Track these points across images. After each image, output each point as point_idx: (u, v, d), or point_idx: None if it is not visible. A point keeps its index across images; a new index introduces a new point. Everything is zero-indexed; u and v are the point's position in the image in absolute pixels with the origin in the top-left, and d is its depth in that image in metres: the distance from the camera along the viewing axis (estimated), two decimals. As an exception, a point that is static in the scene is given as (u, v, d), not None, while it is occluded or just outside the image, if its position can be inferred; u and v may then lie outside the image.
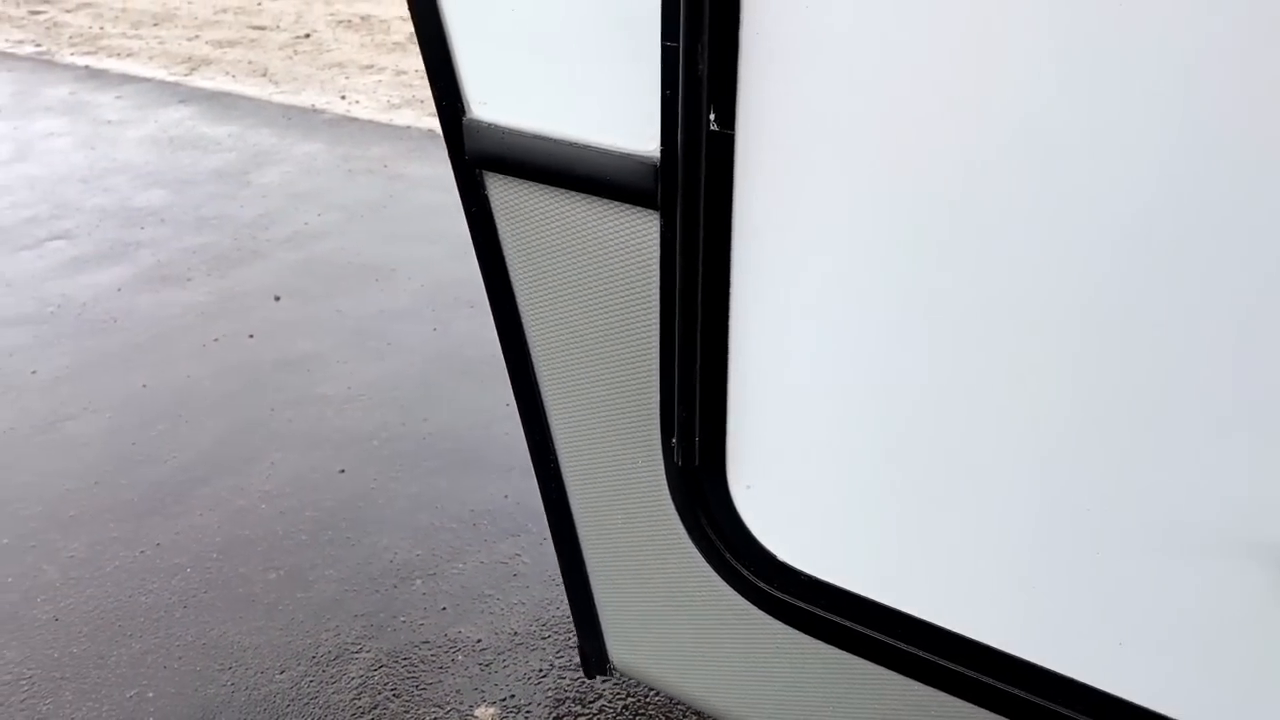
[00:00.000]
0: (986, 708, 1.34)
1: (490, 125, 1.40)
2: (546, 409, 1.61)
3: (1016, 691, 1.30)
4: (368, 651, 2.61)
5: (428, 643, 2.64)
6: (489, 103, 1.39)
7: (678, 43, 1.13)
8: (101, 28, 9.47)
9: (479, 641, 2.63)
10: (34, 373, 3.91)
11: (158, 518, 3.11)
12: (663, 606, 1.70)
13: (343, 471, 3.29)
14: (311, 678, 2.54)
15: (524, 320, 1.54)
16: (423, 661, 2.58)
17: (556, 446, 1.65)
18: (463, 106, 1.41)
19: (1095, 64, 0.92)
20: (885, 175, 1.10)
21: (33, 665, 2.58)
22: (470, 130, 1.41)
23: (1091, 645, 1.22)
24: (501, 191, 1.44)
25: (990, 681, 1.33)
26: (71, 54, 8.64)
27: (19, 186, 5.76)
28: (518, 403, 1.65)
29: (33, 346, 4.09)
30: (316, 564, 2.92)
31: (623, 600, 1.76)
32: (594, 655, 1.88)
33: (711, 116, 1.17)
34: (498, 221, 1.47)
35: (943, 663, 1.36)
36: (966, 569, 1.29)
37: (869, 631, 1.42)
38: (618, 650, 1.84)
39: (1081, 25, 0.91)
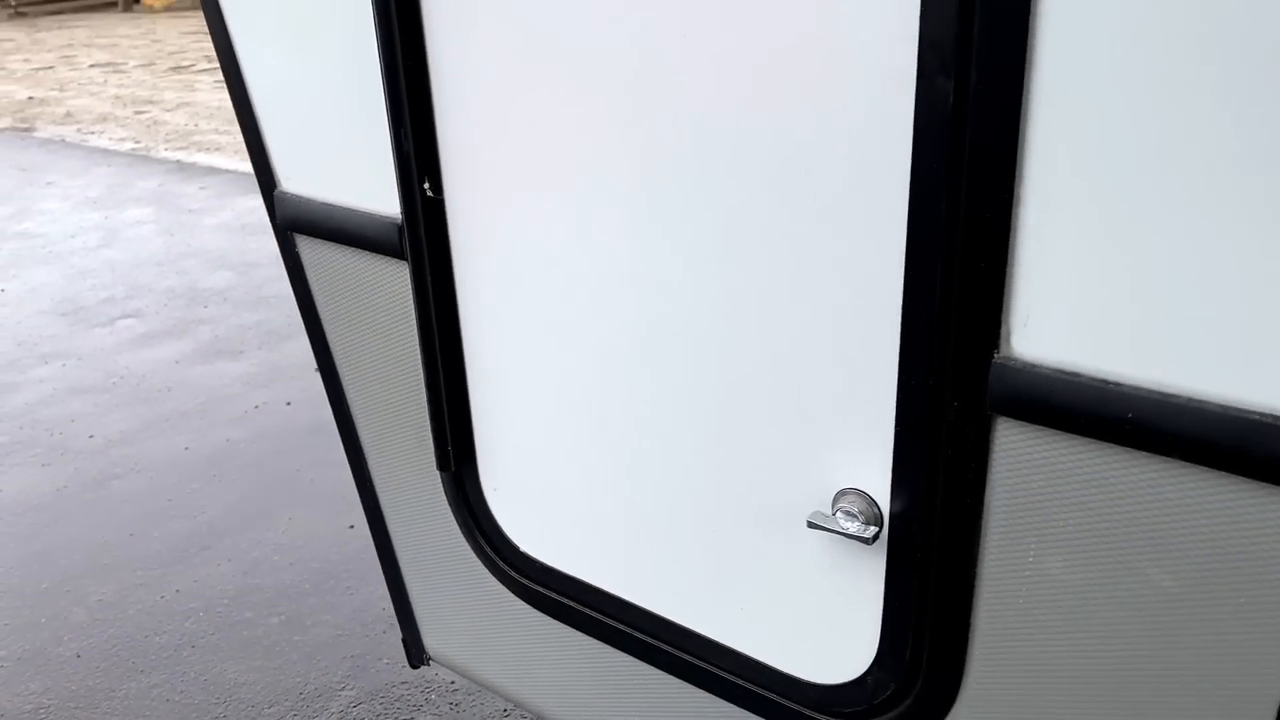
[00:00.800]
0: (673, 674, 1.58)
1: (294, 196, 1.71)
2: (356, 425, 1.89)
3: (685, 656, 1.55)
4: (350, 689, 2.81)
5: (405, 682, 2.82)
6: (291, 177, 1.71)
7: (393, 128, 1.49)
8: (195, 124, 10.22)
9: (452, 683, 2.81)
10: (91, 437, 4.27)
11: (181, 566, 3.38)
12: (458, 599, 1.92)
13: (351, 527, 3.53)
14: (296, 712, 2.74)
15: (333, 352, 1.84)
16: (399, 700, 2.77)
17: (367, 458, 1.92)
18: (274, 180, 1.73)
19: (677, 184, 1.26)
20: (550, 234, 1.43)
21: (52, 696, 2.84)
22: (280, 200, 1.73)
23: (726, 610, 1.49)
24: (307, 249, 1.75)
25: (667, 649, 1.57)
26: (166, 149, 9.35)
27: (102, 270, 6.27)
28: (337, 423, 1.93)
29: (93, 413, 4.47)
30: (316, 610, 3.14)
31: (429, 594, 1.99)
32: (413, 646, 2.10)
33: (425, 185, 1.50)
34: (308, 274, 1.78)
35: (635, 633, 1.59)
36: (633, 548, 1.56)
37: (589, 610, 1.65)
38: (431, 641, 2.05)
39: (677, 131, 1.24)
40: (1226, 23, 0.84)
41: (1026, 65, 0.93)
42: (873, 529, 1.24)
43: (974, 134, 0.98)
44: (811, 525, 1.26)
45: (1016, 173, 0.97)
